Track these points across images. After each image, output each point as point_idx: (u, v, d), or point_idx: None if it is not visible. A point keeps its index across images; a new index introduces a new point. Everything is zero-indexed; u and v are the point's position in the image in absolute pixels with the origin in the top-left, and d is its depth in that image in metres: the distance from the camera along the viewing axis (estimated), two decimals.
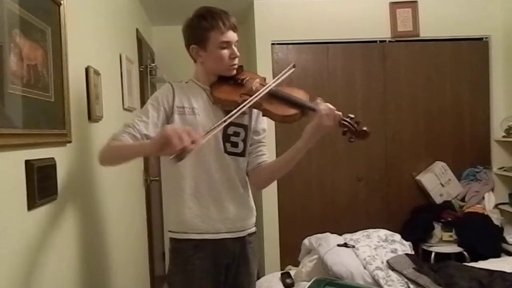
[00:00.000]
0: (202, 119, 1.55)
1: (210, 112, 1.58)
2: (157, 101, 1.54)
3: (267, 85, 1.53)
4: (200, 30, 1.54)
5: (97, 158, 1.48)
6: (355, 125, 1.48)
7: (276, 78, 1.55)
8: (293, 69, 1.61)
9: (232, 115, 1.42)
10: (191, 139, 1.18)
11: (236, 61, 1.60)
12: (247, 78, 1.60)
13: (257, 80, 1.61)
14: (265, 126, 1.73)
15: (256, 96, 1.47)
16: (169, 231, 1.61)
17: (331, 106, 1.47)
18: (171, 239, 1.61)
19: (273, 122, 1.65)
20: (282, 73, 1.58)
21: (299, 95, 1.56)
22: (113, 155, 1.47)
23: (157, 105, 1.53)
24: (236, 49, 1.58)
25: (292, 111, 1.51)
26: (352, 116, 1.49)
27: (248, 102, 1.46)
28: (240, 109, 1.44)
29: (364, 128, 1.47)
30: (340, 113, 1.48)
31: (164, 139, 1.20)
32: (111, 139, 1.47)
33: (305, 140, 1.49)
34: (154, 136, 1.31)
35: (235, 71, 1.61)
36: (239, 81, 1.59)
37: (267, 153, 1.72)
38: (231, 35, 1.56)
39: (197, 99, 1.58)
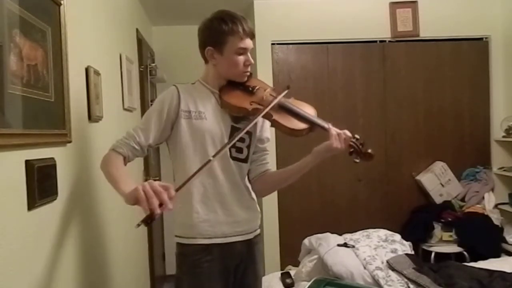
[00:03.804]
0: (209, 123, 1.55)
1: (218, 116, 1.57)
2: (161, 106, 1.53)
3: (277, 98, 1.55)
4: (219, 33, 1.53)
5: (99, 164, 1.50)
6: (361, 147, 1.54)
7: (278, 95, 1.58)
8: (287, 91, 1.62)
9: (237, 135, 1.46)
10: (160, 201, 1.17)
11: (249, 68, 1.60)
12: (258, 87, 1.61)
13: (268, 89, 1.62)
14: (269, 135, 1.74)
15: (266, 107, 1.50)
16: (176, 236, 1.59)
17: (340, 131, 1.52)
18: (178, 244, 1.59)
19: (273, 129, 1.66)
20: (281, 94, 1.60)
21: (309, 110, 1.61)
22: (105, 174, 1.48)
23: (160, 111, 1.52)
24: (250, 57, 1.59)
25: (302, 126, 1.56)
26: (358, 137, 1.56)
27: (259, 115, 1.49)
28: (253, 122, 1.48)
29: (369, 151, 1.54)
30: (349, 134, 1.53)
31: (134, 200, 1.21)
32: (111, 149, 1.49)
33: (314, 157, 1.55)
34: (129, 192, 1.28)
35: (246, 78, 1.61)
36: (250, 89, 1.60)
37: (270, 161, 1.74)
38: (249, 42, 1.56)
39: (205, 102, 1.57)
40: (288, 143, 3.20)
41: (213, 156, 1.42)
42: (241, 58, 1.55)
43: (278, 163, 3.21)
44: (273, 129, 1.66)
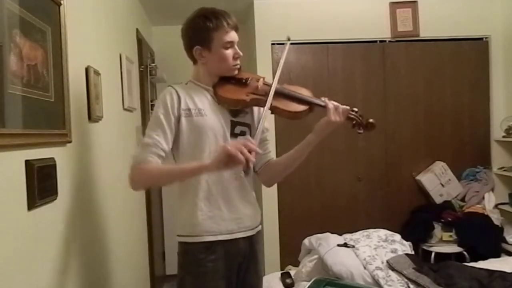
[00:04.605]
0: (210, 119, 1.55)
1: (217, 112, 1.57)
2: (166, 109, 1.51)
3: (276, 76, 1.59)
4: (204, 30, 1.53)
5: (129, 184, 1.48)
6: (361, 118, 1.59)
7: (280, 62, 1.63)
8: (289, 42, 1.69)
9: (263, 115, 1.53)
10: (248, 149, 1.30)
11: (239, 61, 1.60)
12: (250, 78, 1.63)
13: (260, 79, 1.64)
14: (267, 124, 1.75)
15: (272, 90, 1.54)
16: (179, 235, 1.58)
17: (337, 103, 1.57)
18: (182, 243, 1.58)
19: (272, 118, 1.69)
20: (284, 52, 1.66)
21: (305, 92, 1.65)
22: (152, 182, 1.51)
23: (167, 113, 1.51)
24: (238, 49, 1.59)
25: (302, 108, 1.59)
26: (356, 109, 1.60)
27: (269, 98, 1.52)
28: (264, 112, 1.52)
29: (371, 120, 1.59)
30: (347, 107, 1.57)
31: (228, 157, 1.30)
32: (137, 163, 1.45)
33: (317, 134, 1.58)
34: (215, 158, 1.35)
35: (237, 71, 1.62)
36: (243, 81, 1.61)
37: (272, 150, 1.77)
38: (234, 35, 1.57)
39: (202, 99, 1.57)
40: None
41: (258, 127, 1.50)
42: (229, 52, 1.56)
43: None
44: (272, 122, 1.68)
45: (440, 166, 3.54)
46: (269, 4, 3.52)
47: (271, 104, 1.55)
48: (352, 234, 2.66)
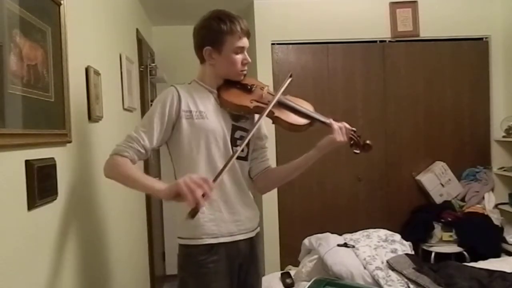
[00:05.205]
0: (212, 122, 1.55)
1: (219, 115, 1.58)
2: (163, 108, 1.51)
3: (277, 94, 1.59)
4: (218, 32, 1.53)
5: (102, 171, 1.49)
6: (359, 138, 1.61)
7: (280, 89, 1.62)
8: (291, 79, 1.68)
9: (249, 135, 1.53)
10: (202, 191, 1.24)
11: (246, 67, 1.61)
12: (255, 85, 1.63)
13: (265, 88, 1.65)
14: (266, 132, 1.76)
15: (270, 105, 1.54)
16: (180, 237, 1.58)
17: (341, 124, 1.58)
18: (182, 246, 1.58)
19: (272, 126, 1.68)
20: (284, 84, 1.64)
21: (307, 106, 1.67)
22: (117, 178, 1.47)
23: (162, 113, 1.51)
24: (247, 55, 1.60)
25: (303, 121, 1.61)
26: (355, 129, 1.61)
27: (265, 111, 1.53)
28: (259, 120, 1.54)
29: (368, 142, 1.61)
30: (349, 126, 1.59)
31: (176, 193, 1.27)
32: (114, 153, 1.47)
33: (319, 151, 1.59)
34: (168, 187, 1.33)
35: (243, 77, 1.62)
36: (248, 87, 1.61)
37: (270, 157, 1.77)
38: (246, 41, 1.58)
39: (205, 101, 1.57)
40: (287, 141, 3.21)
41: (239, 146, 1.50)
42: (239, 57, 1.57)
43: (278, 161, 3.21)
44: (272, 128, 1.68)
45: (440, 166, 3.54)
46: (269, 4, 3.53)
47: (273, 113, 1.56)
48: (352, 234, 2.66)
